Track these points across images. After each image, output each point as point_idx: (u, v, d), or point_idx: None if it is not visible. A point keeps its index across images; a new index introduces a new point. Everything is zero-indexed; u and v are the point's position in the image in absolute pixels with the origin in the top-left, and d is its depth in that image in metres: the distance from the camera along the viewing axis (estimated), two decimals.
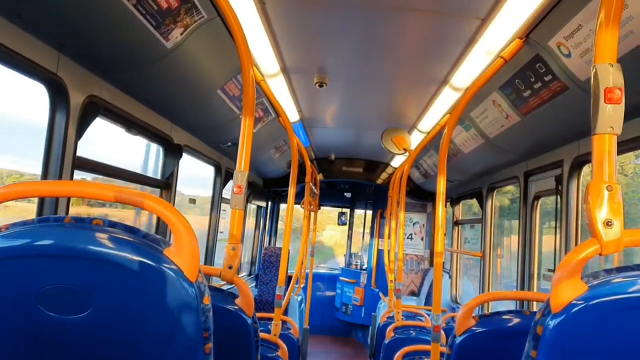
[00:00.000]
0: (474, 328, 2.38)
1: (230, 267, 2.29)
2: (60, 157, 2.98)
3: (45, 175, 2.97)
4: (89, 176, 3.52)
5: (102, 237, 1.39)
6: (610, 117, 1.38)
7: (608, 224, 1.35)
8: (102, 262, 1.36)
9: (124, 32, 2.76)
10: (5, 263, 1.35)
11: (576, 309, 1.30)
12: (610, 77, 1.38)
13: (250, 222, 9.61)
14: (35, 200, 2.97)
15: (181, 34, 3.04)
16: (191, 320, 1.41)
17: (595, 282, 1.35)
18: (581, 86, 3.04)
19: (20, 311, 1.37)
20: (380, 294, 9.18)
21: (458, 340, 2.39)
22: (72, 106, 3.03)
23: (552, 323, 1.33)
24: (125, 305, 1.39)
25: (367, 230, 11.74)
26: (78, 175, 3.23)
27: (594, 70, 1.41)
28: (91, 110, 3.22)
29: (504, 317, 2.42)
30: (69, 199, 3.11)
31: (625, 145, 3.32)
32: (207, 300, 1.46)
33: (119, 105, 3.56)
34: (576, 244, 4.09)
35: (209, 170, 6.25)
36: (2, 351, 1.40)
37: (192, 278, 1.41)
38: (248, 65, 2.45)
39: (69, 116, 3.01)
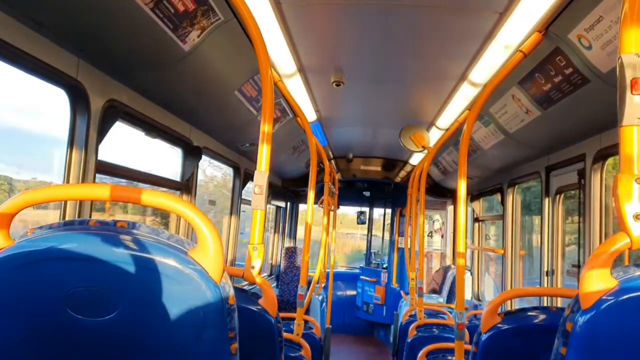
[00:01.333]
0: (499, 325, 2.36)
1: (253, 268, 2.29)
2: (83, 162, 3.00)
3: (67, 180, 2.99)
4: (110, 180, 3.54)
5: (126, 239, 1.39)
6: (638, 108, 1.35)
7: (638, 217, 1.32)
8: (127, 264, 1.36)
9: (142, 35, 2.78)
10: (33, 267, 1.36)
11: (606, 304, 1.28)
12: (637, 67, 1.36)
13: (270, 222, 9.63)
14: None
15: (198, 36, 3.04)
16: (217, 320, 1.41)
17: (626, 277, 1.33)
18: (603, 78, 3.00)
19: (49, 314, 1.38)
20: (402, 293, 9.16)
21: (484, 337, 2.37)
22: (92, 110, 3.06)
23: (581, 319, 1.31)
24: (151, 306, 1.39)
25: (387, 228, 11.70)
26: (99, 179, 3.26)
27: (620, 61, 1.38)
28: (111, 114, 3.25)
29: (530, 313, 2.39)
30: (92, 203, 3.13)
31: None
32: (232, 301, 1.46)
33: (138, 109, 3.58)
34: (600, 239, 4.04)
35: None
36: (32, 353, 1.41)
37: (216, 279, 1.41)
38: (266, 66, 2.45)
39: (89, 120, 3.04)
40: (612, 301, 1.28)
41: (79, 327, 1.38)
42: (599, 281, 1.30)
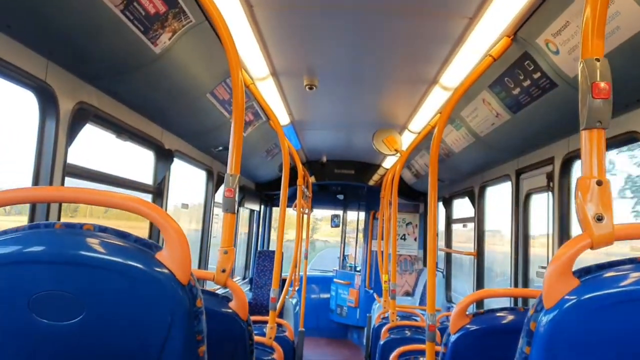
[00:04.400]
0: (468, 326, 2.38)
1: (223, 271, 2.28)
2: (51, 164, 2.97)
3: (36, 182, 2.95)
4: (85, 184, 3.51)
5: (93, 242, 1.38)
6: (598, 111, 1.38)
7: (599, 218, 1.35)
8: (93, 268, 1.35)
9: (112, 38, 2.76)
10: None
11: (569, 304, 1.30)
12: (598, 71, 1.39)
13: (244, 226, 9.60)
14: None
15: (169, 38, 3.03)
16: (184, 323, 1.41)
17: (588, 277, 1.35)
18: (570, 83, 3.06)
19: (13, 318, 1.36)
20: (375, 295, 9.19)
21: (453, 338, 2.39)
22: (61, 113, 3.02)
23: (545, 319, 1.33)
24: (117, 309, 1.39)
25: (361, 231, 11.74)
26: (69, 182, 3.22)
27: (582, 65, 1.41)
28: (81, 116, 3.21)
29: (498, 314, 2.42)
30: (60, 206, 3.10)
31: (613, 141, 3.33)
32: (199, 303, 1.46)
33: (109, 112, 3.55)
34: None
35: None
36: None
37: (184, 281, 1.41)
38: (236, 69, 2.45)
39: (58, 123, 3.00)
40: (574, 300, 1.30)
41: (44, 331, 1.36)
42: (561, 281, 1.33)
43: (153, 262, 1.39)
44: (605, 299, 1.29)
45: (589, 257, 1.51)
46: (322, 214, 11.48)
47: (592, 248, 1.35)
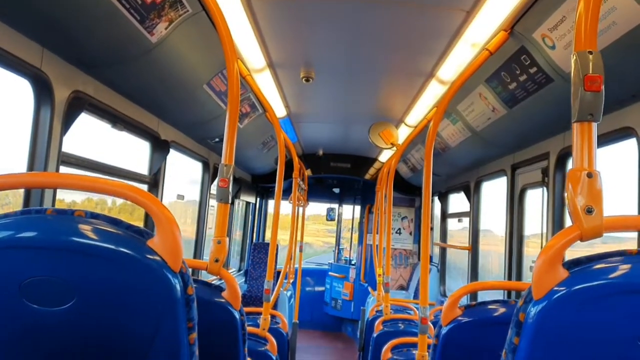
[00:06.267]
0: (459, 318, 2.39)
1: (216, 261, 2.28)
2: (45, 153, 2.96)
3: (30, 170, 2.95)
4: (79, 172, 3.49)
5: (84, 228, 1.39)
6: (590, 104, 1.39)
7: (588, 210, 1.35)
8: (84, 254, 1.35)
9: (109, 26, 2.75)
10: None
11: (557, 295, 1.31)
12: (590, 64, 1.39)
13: (240, 217, 9.60)
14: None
15: (166, 28, 3.02)
16: (175, 310, 1.41)
17: (577, 268, 1.36)
18: (566, 78, 3.06)
19: (3, 303, 1.37)
20: (369, 289, 9.21)
21: (444, 330, 2.40)
22: (57, 102, 3.01)
23: (533, 310, 1.34)
24: (108, 296, 1.39)
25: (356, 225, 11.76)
26: (64, 171, 3.22)
27: (574, 57, 1.42)
28: (76, 105, 3.21)
29: (489, 306, 2.43)
30: (54, 192, 3.09)
31: (608, 136, 3.34)
32: (190, 291, 1.46)
33: (105, 101, 3.54)
34: None
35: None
36: None
37: (175, 268, 1.41)
38: (232, 60, 2.45)
39: (53, 112, 3.00)
40: (564, 292, 1.31)
41: (35, 317, 1.37)
42: (551, 272, 1.33)
43: (144, 249, 1.40)
44: (595, 290, 1.30)
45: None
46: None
47: (581, 240, 1.36)
